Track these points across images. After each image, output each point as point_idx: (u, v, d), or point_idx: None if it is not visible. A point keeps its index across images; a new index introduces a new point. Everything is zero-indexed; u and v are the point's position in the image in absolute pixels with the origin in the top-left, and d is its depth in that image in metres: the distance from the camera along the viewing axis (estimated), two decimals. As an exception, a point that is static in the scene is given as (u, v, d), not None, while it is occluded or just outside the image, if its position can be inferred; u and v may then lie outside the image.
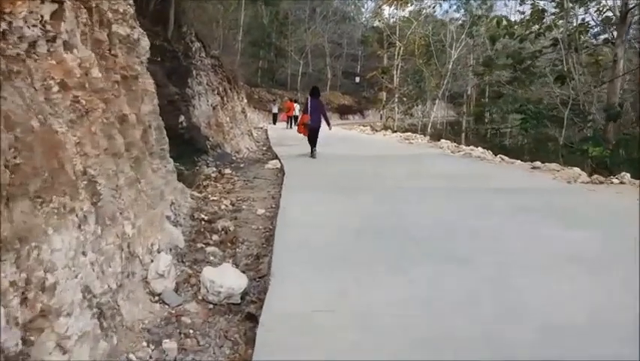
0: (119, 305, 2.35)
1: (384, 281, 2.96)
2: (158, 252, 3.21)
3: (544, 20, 15.85)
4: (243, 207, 5.77)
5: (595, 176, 7.40)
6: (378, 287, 2.86)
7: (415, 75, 27.31)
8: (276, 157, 10.71)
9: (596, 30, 17.90)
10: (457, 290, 2.82)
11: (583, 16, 16.20)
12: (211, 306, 2.79)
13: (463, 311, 2.54)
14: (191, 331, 2.51)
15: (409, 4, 27.88)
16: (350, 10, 53.28)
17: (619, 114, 13.78)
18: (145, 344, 2.32)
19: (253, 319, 2.61)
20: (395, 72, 26.19)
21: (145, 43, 4.67)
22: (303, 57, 43.36)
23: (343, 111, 43.34)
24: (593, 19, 16.11)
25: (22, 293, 1.64)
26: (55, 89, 2.25)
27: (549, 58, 17.86)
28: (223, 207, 5.68)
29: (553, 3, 16.03)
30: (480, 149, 13.10)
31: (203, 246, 3.87)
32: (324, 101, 12.56)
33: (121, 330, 2.28)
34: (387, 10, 31.06)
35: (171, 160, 4.73)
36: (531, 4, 15.38)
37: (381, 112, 31.64)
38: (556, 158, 12.76)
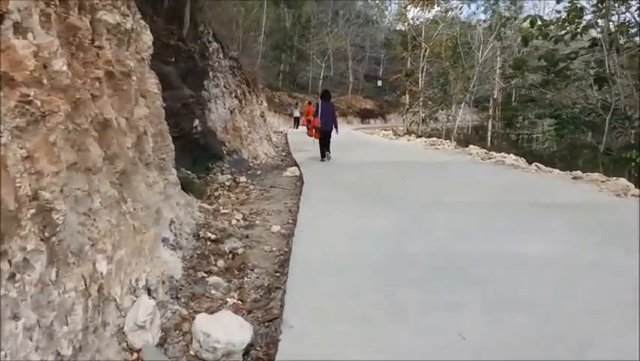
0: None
1: (438, 343, 2.28)
2: (146, 289, 2.62)
3: (582, 20, 14.83)
4: (257, 222, 5.16)
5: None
6: (433, 348, 2.19)
7: (439, 78, 26.41)
8: (295, 164, 10.11)
9: (635, 30, 16.80)
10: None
11: (624, 14, 15.15)
12: (205, 366, 2.18)
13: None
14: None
15: (435, 5, 26.98)
16: (373, 14, 52.60)
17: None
18: None
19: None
20: (420, 75, 25.33)
21: (147, 37, 4.13)
22: (325, 60, 42.86)
23: (365, 115, 42.65)
24: (634, 18, 15.03)
25: None
26: (-7, 85, 1.67)
27: (584, 60, 16.80)
28: (234, 222, 5.08)
29: (592, 1, 15.01)
30: (512, 156, 12.23)
31: (205, 275, 3.26)
32: (337, 104, 12.08)
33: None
34: (411, 13, 30.20)
35: (174, 171, 4.15)
36: (569, 2, 14.36)
37: (404, 116, 30.76)
38: (593, 166, 11.80)
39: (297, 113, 28.74)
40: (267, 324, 2.65)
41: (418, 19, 28.61)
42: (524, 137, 21.07)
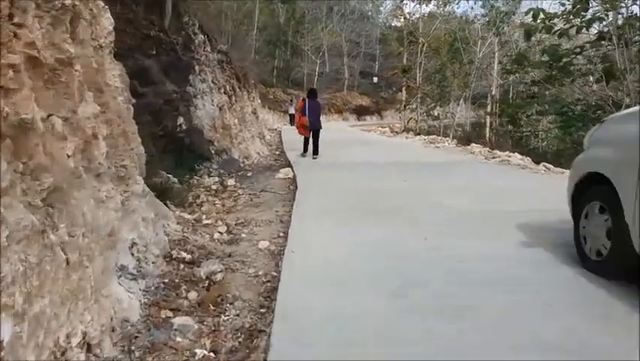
0: None
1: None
2: (83, 346, 1.96)
3: (588, 12, 14.19)
4: (243, 235, 4.51)
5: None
6: None
7: (436, 74, 25.75)
8: (288, 164, 9.45)
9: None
10: None
11: (632, 7, 14.52)
12: None
13: None
14: None
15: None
16: (368, 9, 51.84)
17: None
18: None
19: None
20: (418, 70, 24.65)
21: (107, 21, 3.45)
22: (319, 56, 42.17)
23: (361, 112, 42.03)
24: (642, 11, 14.42)
25: None
26: None
27: (586, 55, 16.16)
28: (217, 235, 4.42)
29: (598, -7, 14.37)
30: (518, 155, 11.62)
31: (171, 315, 2.59)
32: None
33: None
34: (407, 8, 29.56)
35: (140, 179, 3.47)
36: (574, -7, 13.71)
37: (400, 113, 30.09)
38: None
39: (292, 110, 28.19)
40: (244, 391, 2.01)
41: (413, 15, 28.00)
42: (527, 135, 20.45)
